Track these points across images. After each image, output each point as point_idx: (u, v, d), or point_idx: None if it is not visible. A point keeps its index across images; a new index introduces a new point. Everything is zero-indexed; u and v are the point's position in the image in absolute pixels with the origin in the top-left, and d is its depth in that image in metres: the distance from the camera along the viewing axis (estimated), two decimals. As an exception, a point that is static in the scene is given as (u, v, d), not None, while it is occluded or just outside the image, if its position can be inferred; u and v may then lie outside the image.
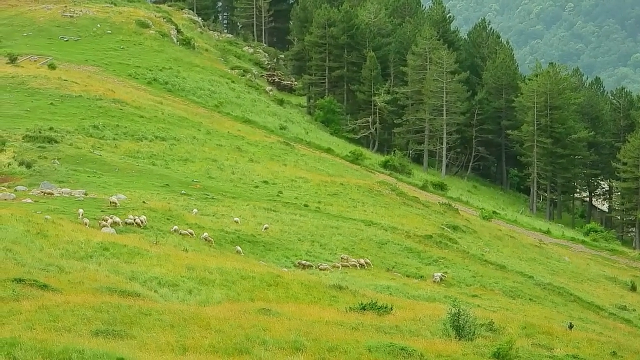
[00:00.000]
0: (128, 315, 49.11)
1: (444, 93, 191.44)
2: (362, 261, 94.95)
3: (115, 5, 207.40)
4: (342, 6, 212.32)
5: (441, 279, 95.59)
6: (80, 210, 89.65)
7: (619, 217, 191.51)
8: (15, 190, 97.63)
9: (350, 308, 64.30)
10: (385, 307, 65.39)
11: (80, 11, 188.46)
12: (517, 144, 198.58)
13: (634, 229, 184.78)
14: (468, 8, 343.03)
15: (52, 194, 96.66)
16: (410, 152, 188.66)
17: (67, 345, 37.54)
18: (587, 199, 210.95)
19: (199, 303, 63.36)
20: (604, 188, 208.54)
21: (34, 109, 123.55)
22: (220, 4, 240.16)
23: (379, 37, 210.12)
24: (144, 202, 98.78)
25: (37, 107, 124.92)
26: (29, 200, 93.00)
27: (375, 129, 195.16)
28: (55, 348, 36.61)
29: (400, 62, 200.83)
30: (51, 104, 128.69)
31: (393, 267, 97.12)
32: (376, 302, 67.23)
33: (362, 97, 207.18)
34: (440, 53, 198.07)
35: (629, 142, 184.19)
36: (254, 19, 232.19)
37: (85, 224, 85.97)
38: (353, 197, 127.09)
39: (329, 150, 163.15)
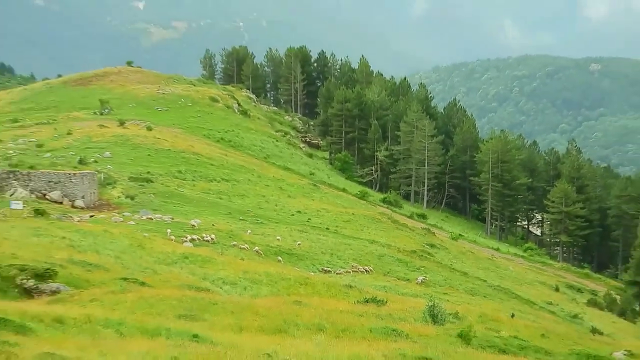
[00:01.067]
0: (201, 304, 52.34)
1: (426, 150, 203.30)
2: (366, 268, 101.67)
3: (194, 85, 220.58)
4: (354, 88, 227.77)
5: (422, 281, 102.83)
6: (168, 230, 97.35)
7: (548, 239, 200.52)
8: (123, 216, 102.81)
9: (357, 301, 68.09)
10: (382, 301, 68.06)
11: (170, 90, 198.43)
12: (477, 186, 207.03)
13: (558, 248, 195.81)
14: (444, 90, 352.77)
15: (152, 219, 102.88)
16: (402, 191, 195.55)
17: (158, 324, 41.54)
18: (526, 226, 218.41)
19: (251, 296, 67.34)
20: (538, 218, 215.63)
21: (136, 158, 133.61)
22: (268, 85, 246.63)
23: (381, 110, 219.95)
24: (213, 224, 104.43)
25: (138, 157, 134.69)
26: (132, 223, 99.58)
27: (377, 175, 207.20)
28: (149, 326, 40.53)
29: (395, 128, 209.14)
30: (148, 155, 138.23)
31: (388, 273, 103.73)
32: (376, 297, 71.05)
33: (368, 153, 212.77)
34: (424, 122, 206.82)
35: (555, 186, 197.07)
36: (292, 97, 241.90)
37: (172, 240, 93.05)
38: (361, 223, 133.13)
39: (344, 190, 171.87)
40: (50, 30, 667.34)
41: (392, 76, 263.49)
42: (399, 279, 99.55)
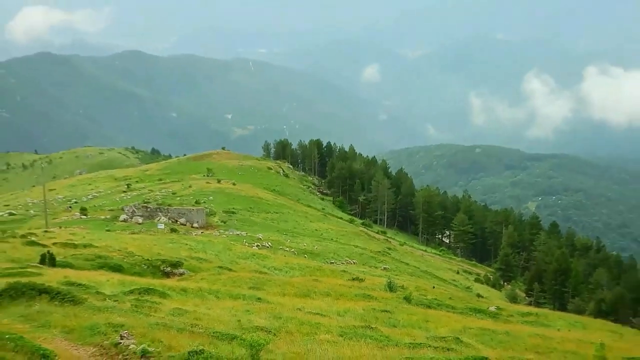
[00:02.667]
0: (262, 281, 52.26)
1: (385, 196, 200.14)
2: (353, 261, 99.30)
3: (258, 160, 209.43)
4: (346, 162, 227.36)
5: (384, 268, 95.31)
6: (244, 240, 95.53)
7: (453, 245, 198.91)
8: (219, 232, 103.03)
9: (348, 279, 66.06)
10: (362, 279, 58.81)
11: (245, 163, 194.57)
12: (414, 216, 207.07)
13: (458, 250, 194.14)
14: (396, 163, 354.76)
15: (235, 234, 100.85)
16: (372, 218, 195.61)
17: (238, 292, 41.53)
18: (441, 237, 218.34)
19: (290, 277, 65.79)
20: (447, 234, 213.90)
21: (227, 200, 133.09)
22: (299, 160, 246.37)
23: (361, 174, 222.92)
24: (269, 237, 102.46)
25: (228, 200, 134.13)
26: (224, 236, 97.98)
27: (359, 210, 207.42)
28: (233, 293, 40.03)
29: (369, 184, 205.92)
30: (233, 198, 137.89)
31: (365, 264, 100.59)
32: (358, 277, 69.51)
33: (354, 197, 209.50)
34: (384, 181, 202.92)
35: (457, 216, 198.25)
36: (312, 167, 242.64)
37: (246, 245, 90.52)
38: (350, 236, 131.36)
39: (341, 218, 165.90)
40: (181, 130, 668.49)
41: (367, 155, 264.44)
42: (371, 267, 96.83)
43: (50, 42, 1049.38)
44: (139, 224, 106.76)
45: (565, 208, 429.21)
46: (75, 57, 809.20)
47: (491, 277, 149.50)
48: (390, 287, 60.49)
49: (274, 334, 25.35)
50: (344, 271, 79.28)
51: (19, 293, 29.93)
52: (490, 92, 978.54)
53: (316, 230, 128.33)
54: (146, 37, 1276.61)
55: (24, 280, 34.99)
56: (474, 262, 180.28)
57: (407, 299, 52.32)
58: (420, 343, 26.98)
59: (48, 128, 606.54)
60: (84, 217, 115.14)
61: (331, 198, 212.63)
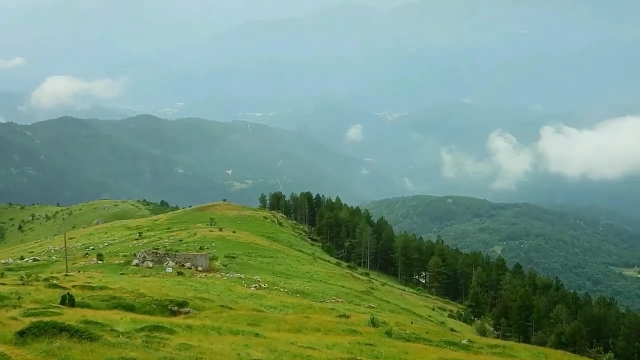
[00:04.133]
0: (259, 318, 54.03)
1: (368, 242, 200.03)
2: (340, 300, 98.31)
3: (256, 210, 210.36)
4: (333, 212, 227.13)
5: (367, 306, 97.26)
6: (243, 282, 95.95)
7: (428, 285, 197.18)
8: (221, 274, 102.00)
9: (336, 316, 67.78)
10: (348, 316, 67.83)
11: (244, 213, 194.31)
12: (394, 259, 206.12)
13: (433, 289, 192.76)
14: (377, 212, 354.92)
15: (235, 276, 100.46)
16: (357, 261, 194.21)
17: (238, 328, 42.07)
18: (417, 278, 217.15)
19: (284, 314, 65.51)
20: (423, 274, 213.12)
21: (228, 247, 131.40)
22: (292, 211, 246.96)
23: (346, 222, 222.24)
24: (265, 279, 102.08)
25: (228, 246, 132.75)
26: (225, 278, 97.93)
27: (345, 254, 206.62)
28: (233, 329, 41.42)
29: (353, 231, 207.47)
30: (233, 245, 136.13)
31: (350, 302, 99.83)
32: (345, 314, 70.86)
33: (340, 243, 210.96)
34: (367, 228, 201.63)
35: (431, 259, 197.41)
36: (304, 217, 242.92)
37: (245, 286, 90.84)
38: (337, 277, 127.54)
39: (329, 261, 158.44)
40: (187, 184, 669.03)
41: (351, 205, 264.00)
42: (356, 305, 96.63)
43: (72, 107, 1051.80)
44: (150, 268, 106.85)
45: (527, 251, 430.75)
46: (94, 120, 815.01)
47: (463, 313, 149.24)
48: (373, 323, 61.20)
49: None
50: (332, 309, 79.13)
51: (41, 331, 29.60)
52: (459, 149, 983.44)
53: (307, 272, 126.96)
54: (157, 103, 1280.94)
55: (46, 319, 34.62)
56: (447, 300, 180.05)
57: (389, 334, 53.01)
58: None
59: (69, 183, 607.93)
60: (100, 262, 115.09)
61: (320, 244, 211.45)
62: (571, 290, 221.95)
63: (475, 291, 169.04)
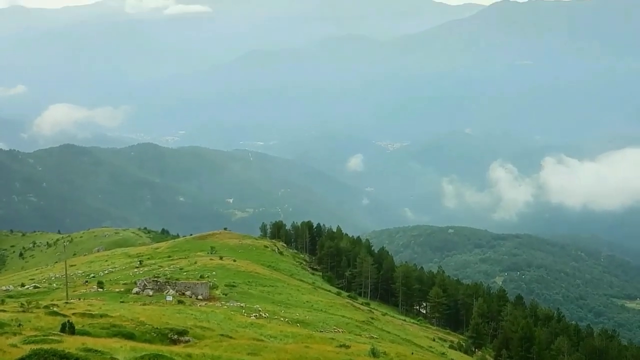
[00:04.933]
0: (259, 347, 53.69)
1: (369, 272, 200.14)
2: (340, 329, 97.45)
3: (256, 239, 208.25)
4: (334, 241, 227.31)
5: (368, 336, 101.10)
6: (243, 311, 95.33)
7: (429, 315, 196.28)
8: (221, 303, 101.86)
9: (336, 346, 67.99)
10: (348, 346, 68.15)
11: (245, 242, 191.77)
12: (394, 289, 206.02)
13: (434, 319, 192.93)
14: (377, 242, 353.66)
15: (235, 305, 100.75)
16: (357, 291, 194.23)
17: (238, 357, 44.66)
18: (418, 308, 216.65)
19: (284, 343, 65.74)
20: (424, 305, 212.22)
21: (228, 276, 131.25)
22: (292, 240, 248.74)
23: (347, 252, 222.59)
24: (266, 308, 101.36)
25: (229, 275, 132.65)
26: (226, 307, 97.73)
27: (345, 284, 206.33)
28: (233, 358, 44.07)
29: (354, 260, 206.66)
30: (234, 274, 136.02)
31: (351, 332, 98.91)
32: (345, 344, 70.85)
33: (341, 272, 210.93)
34: (367, 258, 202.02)
35: (432, 289, 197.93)
36: (304, 246, 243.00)
37: (245, 314, 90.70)
38: (337, 307, 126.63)
39: (329, 291, 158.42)
40: (188, 212, 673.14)
41: (352, 235, 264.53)
42: (356, 335, 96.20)
43: (74, 135, 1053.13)
44: (150, 296, 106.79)
45: (528, 282, 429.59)
46: (95, 148, 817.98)
47: (464, 344, 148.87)
48: (374, 353, 61.40)
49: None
50: (333, 339, 78.88)
51: (41, 359, 29.47)
52: (460, 180, 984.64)
53: (307, 301, 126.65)
54: (158, 131, 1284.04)
55: (46, 347, 34.50)
56: (448, 331, 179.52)
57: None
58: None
59: (70, 210, 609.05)
60: (101, 290, 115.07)
61: (321, 273, 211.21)
62: (573, 322, 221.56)
63: (477, 322, 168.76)
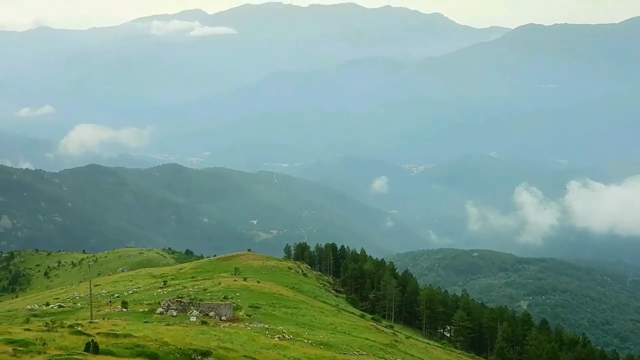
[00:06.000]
0: None
1: (393, 295, 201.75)
2: (364, 352, 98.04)
3: (280, 261, 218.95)
4: (358, 263, 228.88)
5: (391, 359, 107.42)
6: (267, 332, 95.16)
7: (453, 338, 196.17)
8: (245, 324, 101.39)
9: None
10: None
11: (268, 263, 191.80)
12: (418, 312, 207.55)
13: (458, 343, 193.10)
14: (402, 264, 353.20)
15: (259, 326, 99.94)
16: (381, 314, 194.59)
17: None
18: (442, 332, 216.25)
19: None
20: (447, 328, 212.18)
21: (252, 297, 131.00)
22: (316, 262, 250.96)
23: (370, 274, 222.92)
24: (289, 330, 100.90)
25: (252, 296, 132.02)
26: (249, 328, 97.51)
27: (369, 306, 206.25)
28: None
29: (378, 283, 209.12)
30: (257, 295, 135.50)
31: (374, 355, 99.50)
32: None
33: (365, 295, 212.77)
34: (391, 280, 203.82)
35: (456, 312, 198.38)
36: (328, 268, 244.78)
37: (268, 336, 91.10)
38: (361, 329, 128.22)
39: (353, 313, 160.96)
40: (212, 233, 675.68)
41: (376, 257, 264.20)
42: (380, 358, 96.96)
43: (99, 155, 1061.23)
44: (174, 316, 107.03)
45: (553, 306, 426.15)
46: (120, 169, 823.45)
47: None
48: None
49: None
50: (357, 361, 78.33)
51: (65, 377, 29.42)
52: (485, 203, 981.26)
53: (331, 324, 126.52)
54: (183, 152, 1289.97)
55: (70, 366, 34.44)
56: (472, 355, 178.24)
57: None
58: None
59: (95, 230, 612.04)
60: (125, 310, 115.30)
61: (344, 295, 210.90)
62: (599, 348, 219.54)
63: (501, 346, 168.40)
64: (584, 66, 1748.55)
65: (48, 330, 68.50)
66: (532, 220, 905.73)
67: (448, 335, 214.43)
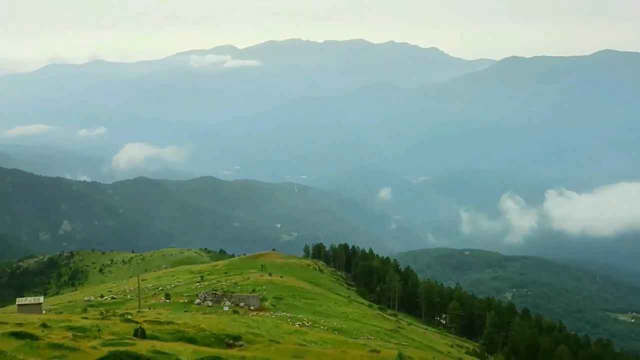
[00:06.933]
0: (302, 351, 53.20)
1: (396, 287, 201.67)
2: (371, 337, 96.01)
3: (300, 259, 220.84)
4: (367, 261, 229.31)
5: (397, 343, 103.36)
6: (289, 320, 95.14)
7: (448, 325, 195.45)
8: (270, 313, 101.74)
9: (368, 351, 65.50)
10: (378, 351, 58.48)
11: (289, 261, 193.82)
12: (418, 302, 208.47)
13: (452, 329, 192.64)
14: (404, 261, 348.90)
15: (286, 315, 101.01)
16: (386, 304, 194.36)
17: (284, 359, 45.73)
18: (439, 319, 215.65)
19: (323, 348, 63.85)
20: (443, 316, 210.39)
21: (276, 290, 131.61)
22: (331, 260, 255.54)
23: (377, 270, 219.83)
24: (308, 318, 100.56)
25: (276, 289, 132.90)
26: (274, 316, 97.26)
27: (377, 297, 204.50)
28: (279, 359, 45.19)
29: (384, 278, 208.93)
30: (281, 288, 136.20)
31: (381, 339, 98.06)
32: (375, 349, 68.08)
33: (372, 287, 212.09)
34: (395, 276, 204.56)
35: (451, 303, 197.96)
36: (341, 265, 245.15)
37: (290, 323, 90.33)
38: (369, 317, 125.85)
39: (362, 303, 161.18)
40: (242, 235, 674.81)
41: (382, 256, 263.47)
42: (385, 341, 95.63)
43: (146, 169, 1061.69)
44: (209, 306, 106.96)
45: (534, 298, 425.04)
46: (164, 181, 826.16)
47: (478, 350, 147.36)
48: (401, 358, 60.18)
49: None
50: (365, 344, 77.95)
51: (117, 359, 29.65)
52: (475, 209, 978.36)
53: (343, 312, 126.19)
54: (217, 166, 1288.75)
55: (121, 349, 34.80)
56: (464, 339, 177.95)
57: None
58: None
59: (142, 234, 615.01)
60: (168, 301, 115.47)
61: (355, 288, 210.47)
62: (573, 332, 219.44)
63: (489, 331, 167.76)
64: (560, 92, 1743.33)
65: (102, 318, 68.95)
66: (515, 223, 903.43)
67: (444, 322, 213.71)
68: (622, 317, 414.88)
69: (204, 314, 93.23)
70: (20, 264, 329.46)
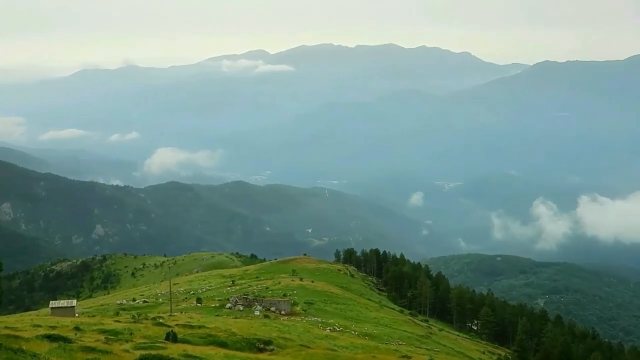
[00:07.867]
0: (332, 356, 54.18)
1: (428, 293, 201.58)
2: (402, 342, 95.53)
3: (331, 264, 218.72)
4: (397, 266, 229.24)
5: (428, 349, 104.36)
6: (320, 325, 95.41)
7: (479, 331, 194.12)
8: (301, 318, 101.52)
9: (399, 356, 67.38)
10: (409, 357, 67.22)
11: (321, 266, 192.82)
12: (450, 308, 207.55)
13: (484, 335, 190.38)
14: (435, 267, 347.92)
15: (317, 320, 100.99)
16: (417, 309, 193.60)
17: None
18: (470, 325, 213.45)
19: (354, 354, 64.58)
20: (475, 322, 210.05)
21: (307, 294, 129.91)
22: (362, 265, 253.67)
23: (408, 275, 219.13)
24: (339, 323, 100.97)
25: (307, 294, 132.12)
26: (305, 321, 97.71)
27: (408, 303, 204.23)
28: (304, 356, 45.00)
29: (415, 283, 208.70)
30: (312, 293, 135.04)
31: (412, 344, 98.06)
32: (407, 355, 70.02)
33: (404, 293, 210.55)
34: (426, 281, 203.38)
35: (483, 309, 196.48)
36: (372, 270, 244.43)
37: (321, 328, 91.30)
38: (400, 322, 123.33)
39: (393, 309, 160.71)
40: (273, 240, 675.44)
41: (413, 261, 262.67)
42: (416, 347, 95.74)
43: (178, 173, 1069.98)
44: (240, 311, 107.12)
45: (567, 304, 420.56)
46: (196, 185, 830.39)
47: (510, 357, 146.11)
48: (433, 363, 59.58)
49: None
50: (396, 350, 78.76)
51: (149, 362, 29.58)
52: (507, 214, 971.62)
53: (374, 318, 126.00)
54: (248, 171, 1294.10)
55: (153, 352, 34.77)
56: (496, 345, 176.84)
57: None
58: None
59: (174, 238, 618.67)
60: (199, 305, 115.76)
61: (386, 293, 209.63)
62: (606, 340, 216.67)
63: (521, 338, 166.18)
64: (593, 97, 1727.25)
65: (134, 322, 69.28)
66: (547, 229, 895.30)
67: (475, 328, 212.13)
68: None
69: (235, 318, 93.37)
70: (54, 267, 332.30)
